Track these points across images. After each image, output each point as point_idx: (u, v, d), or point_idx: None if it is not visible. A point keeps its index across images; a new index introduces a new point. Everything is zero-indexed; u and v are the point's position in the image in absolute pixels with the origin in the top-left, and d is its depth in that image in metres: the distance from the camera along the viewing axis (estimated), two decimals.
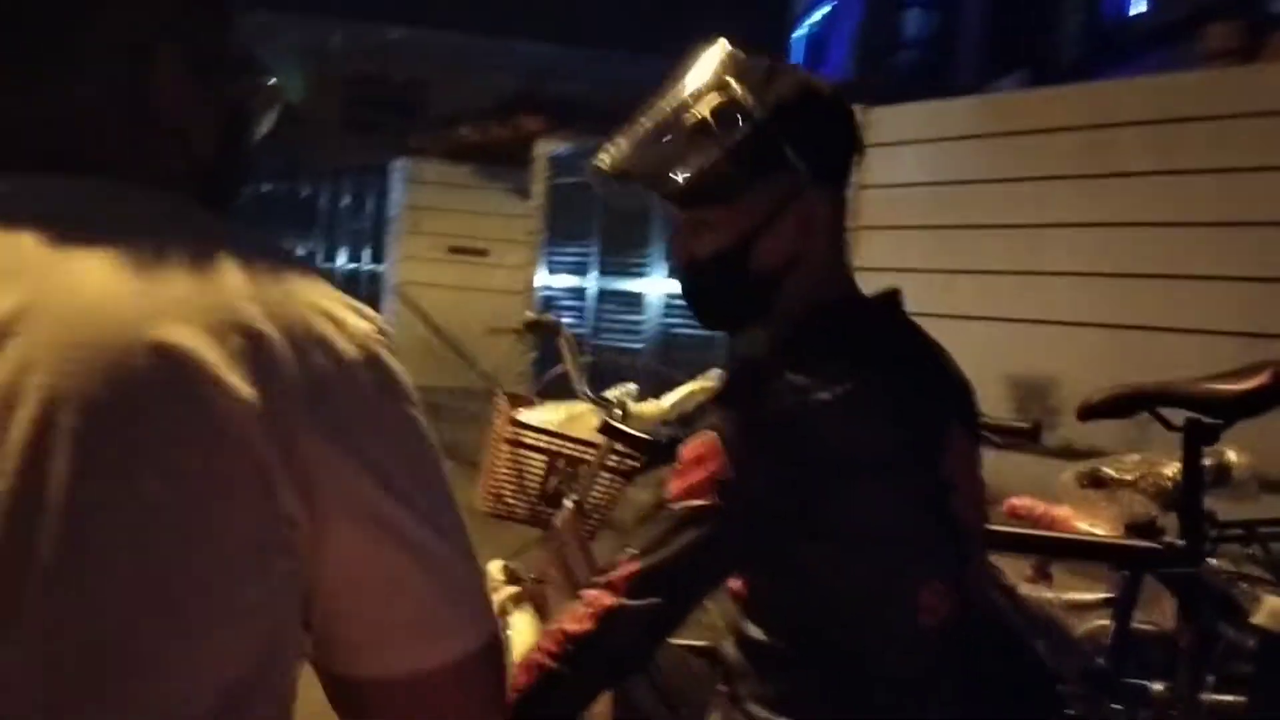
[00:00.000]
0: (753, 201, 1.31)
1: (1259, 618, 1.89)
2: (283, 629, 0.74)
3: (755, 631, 1.33)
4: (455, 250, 12.09)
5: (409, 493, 0.76)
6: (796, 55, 13.83)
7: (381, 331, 0.79)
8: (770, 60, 1.36)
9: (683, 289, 1.41)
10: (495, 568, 2.27)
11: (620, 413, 2.21)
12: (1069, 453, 3.98)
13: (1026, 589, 2.13)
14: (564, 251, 10.23)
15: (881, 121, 6.76)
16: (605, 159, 1.37)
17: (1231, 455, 2.12)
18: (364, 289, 12.77)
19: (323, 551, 0.74)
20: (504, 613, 2.25)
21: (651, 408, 2.24)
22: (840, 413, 1.23)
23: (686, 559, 1.23)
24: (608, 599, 1.24)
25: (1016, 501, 2.22)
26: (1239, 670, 1.95)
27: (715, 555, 1.26)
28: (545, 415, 2.30)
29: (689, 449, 1.26)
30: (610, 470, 2.23)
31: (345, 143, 17.82)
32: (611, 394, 2.23)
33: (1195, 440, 2.00)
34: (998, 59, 9.32)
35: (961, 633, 1.32)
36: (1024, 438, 2.20)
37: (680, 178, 1.30)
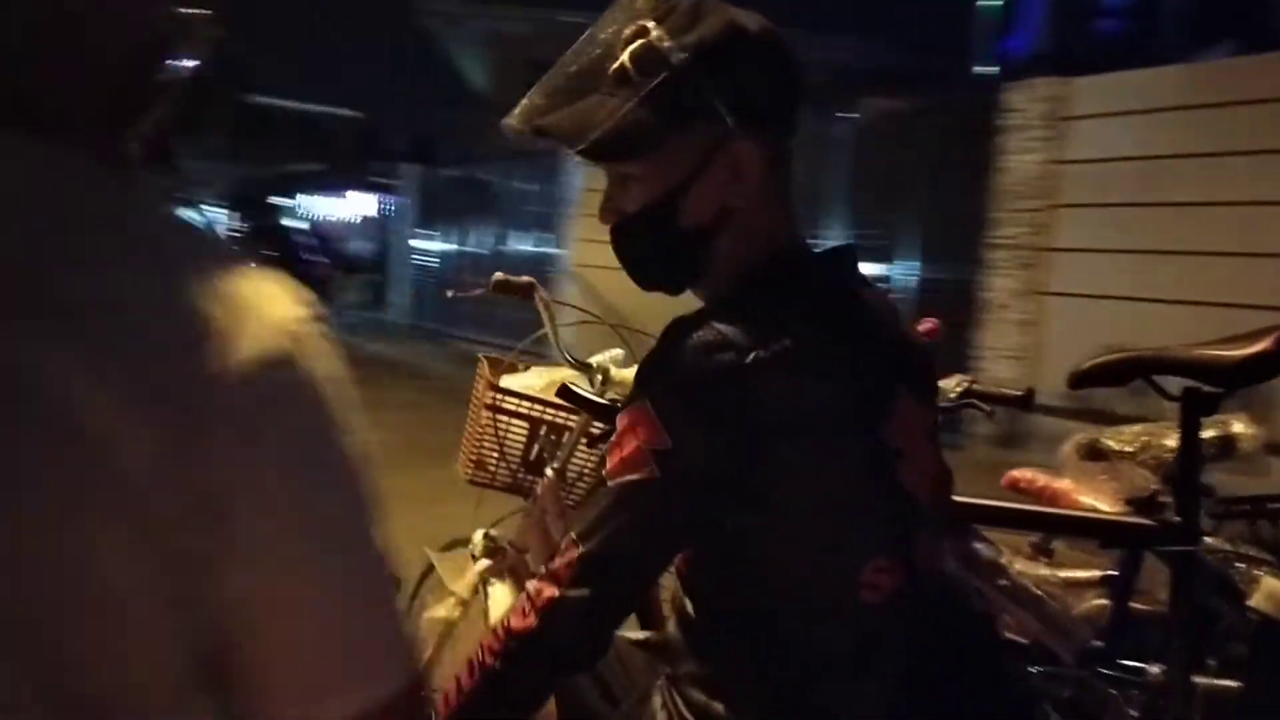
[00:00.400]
0: (676, 153, 1.24)
1: (1255, 600, 1.78)
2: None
3: (692, 610, 1.27)
4: None
5: (305, 520, 0.66)
6: (985, 25, 13.57)
7: (310, 319, 0.69)
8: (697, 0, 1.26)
9: (614, 249, 1.34)
10: (477, 537, 2.24)
11: (600, 378, 2.15)
12: None
13: (1021, 565, 2.03)
14: None
15: (1082, 93, 6.61)
16: (516, 115, 1.29)
17: (1238, 426, 2.00)
18: (542, 272, 12.84)
19: (206, 587, 0.64)
20: (482, 584, 2.23)
21: (632, 373, 2.17)
22: (778, 371, 1.15)
23: (627, 539, 1.17)
24: (549, 590, 1.18)
25: (1017, 474, 2.12)
26: (1238, 652, 1.85)
27: (657, 532, 1.19)
28: (528, 380, 2.25)
29: (622, 420, 1.19)
30: (594, 438, 2.18)
31: None
32: (595, 359, 2.17)
33: (1193, 409, 1.87)
34: (1204, 26, 9.01)
35: (906, 609, 1.25)
36: (1016, 405, 2.10)
37: (597, 131, 1.22)
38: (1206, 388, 1.84)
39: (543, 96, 1.29)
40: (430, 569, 2.31)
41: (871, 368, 1.25)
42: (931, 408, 1.35)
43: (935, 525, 1.34)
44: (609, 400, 2.05)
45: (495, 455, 2.19)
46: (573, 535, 1.19)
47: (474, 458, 2.23)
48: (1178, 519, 1.85)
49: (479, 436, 2.21)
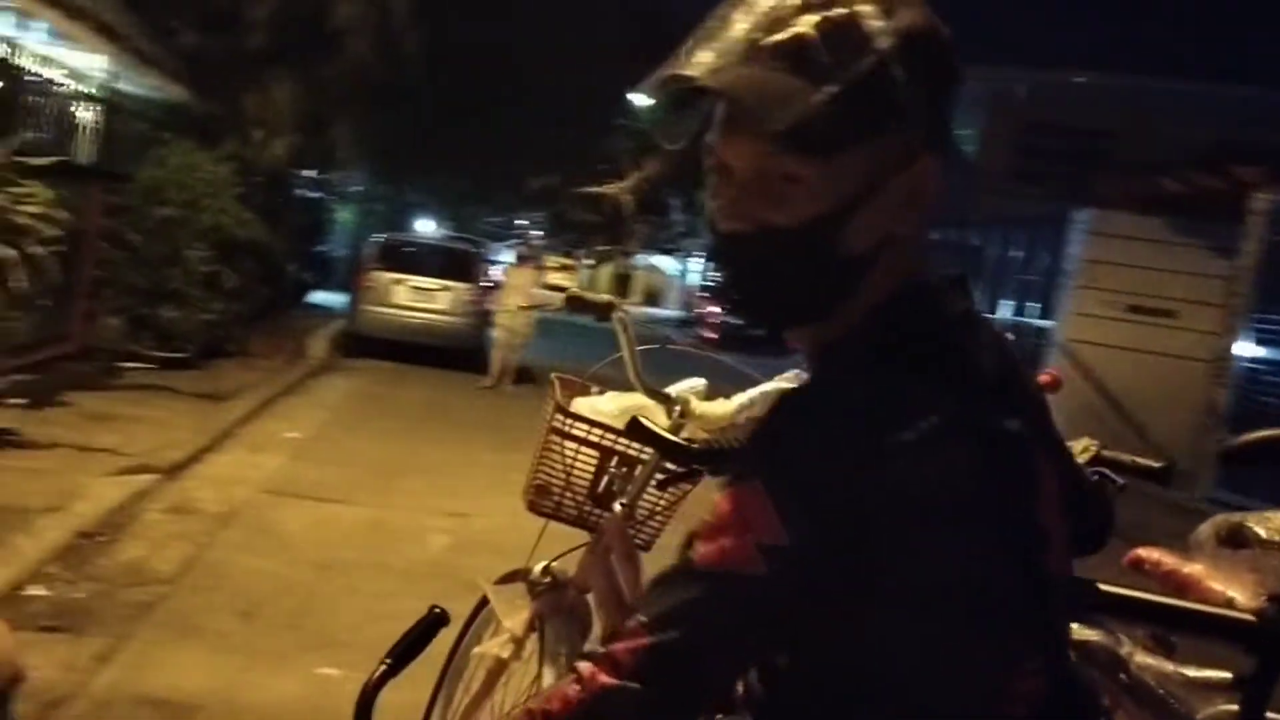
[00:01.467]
0: (855, 161, 1.00)
1: None
2: None
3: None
4: (1135, 309, 11.40)
5: None
6: None
7: None
8: None
9: (727, 263, 1.08)
10: (536, 571, 2.10)
11: (678, 410, 1.98)
12: None
13: (1141, 659, 1.80)
14: (1277, 320, 9.19)
15: None
16: (688, 65, 1.01)
17: None
18: (1029, 343, 12.70)
19: None
20: (539, 622, 2.08)
21: (718, 408, 2.00)
22: (924, 455, 0.95)
23: (710, 639, 0.98)
24: (604, 677, 0.99)
25: (1142, 552, 1.87)
26: None
27: (748, 637, 1.00)
28: (601, 405, 2.10)
29: (725, 501, 0.99)
30: (664, 480, 2.01)
31: (1018, 192, 17.26)
32: (674, 389, 2.01)
33: None
34: None
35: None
36: (1154, 478, 1.86)
37: (790, 114, 0.96)
38: None
39: (715, 54, 1.01)
40: (484, 602, 2.18)
41: (1021, 438, 1.04)
42: (1063, 473, 1.13)
43: (1070, 613, 1.14)
44: (684, 439, 1.89)
45: (560, 484, 2.05)
46: (642, 619, 0.99)
47: (537, 484, 2.09)
48: None
49: (546, 463, 2.08)
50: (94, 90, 11.40)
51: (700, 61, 1.00)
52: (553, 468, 2.08)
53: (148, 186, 10.96)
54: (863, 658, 0.99)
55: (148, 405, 8.81)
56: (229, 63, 13.38)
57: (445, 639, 1.93)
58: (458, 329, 14.50)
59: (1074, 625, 1.77)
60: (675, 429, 1.94)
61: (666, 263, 39.66)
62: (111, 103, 11.44)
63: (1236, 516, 1.84)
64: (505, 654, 2.00)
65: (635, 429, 1.85)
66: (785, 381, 1.96)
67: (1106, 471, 1.91)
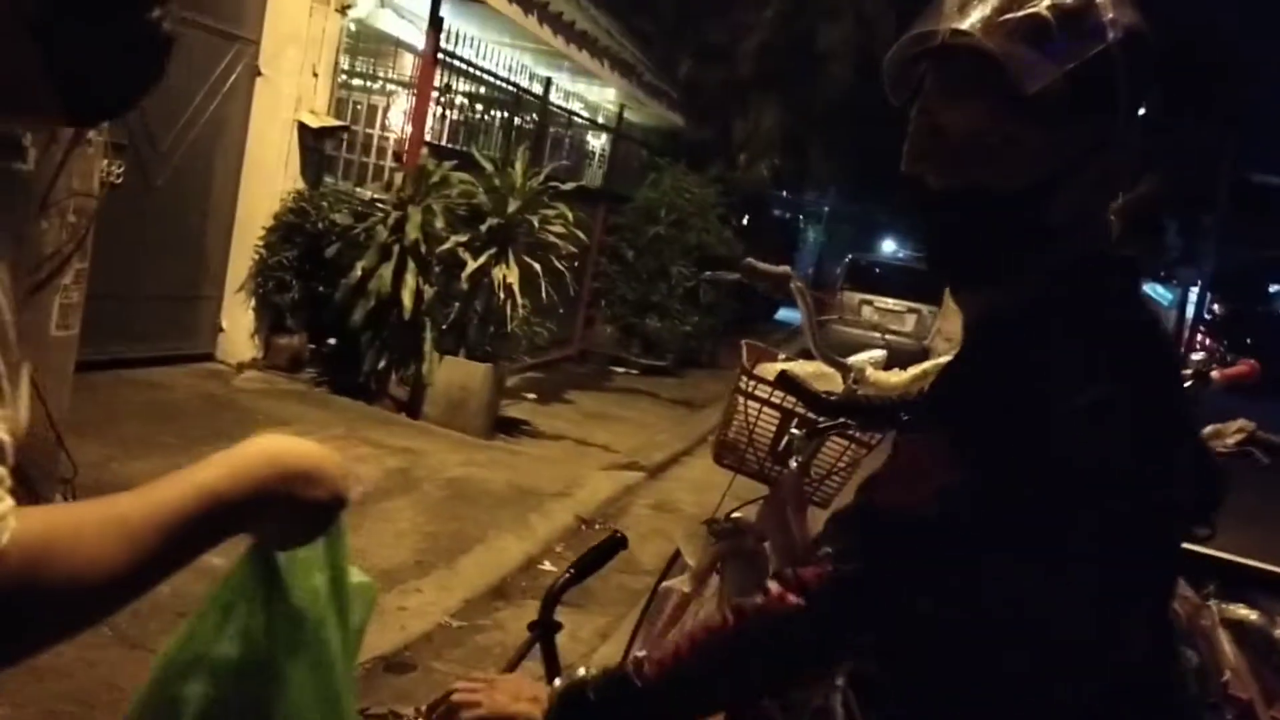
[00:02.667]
0: (1072, 135, 1.10)
1: None
2: None
3: (907, 648, 1.20)
4: None
5: None
6: None
7: None
8: None
9: (933, 220, 1.19)
10: (722, 519, 2.31)
11: (854, 377, 2.13)
12: None
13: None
14: None
15: None
16: (961, 20, 1.10)
17: None
18: None
19: None
20: (720, 563, 2.30)
21: (892, 377, 2.11)
22: (1090, 423, 1.06)
23: (889, 574, 1.12)
24: (791, 597, 1.13)
25: None
26: None
27: (922, 573, 1.12)
28: (787, 370, 2.28)
29: (911, 449, 1.16)
30: (845, 437, 2.17)
31: None
32: (854, 359, 2.16)
33: None
34: None
35: (1159, 671, 1.20)
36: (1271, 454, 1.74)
37: (1035, 80, 1.05)
38: None
39: (979, 10, 1.10)
40: (678, 553, 2.44)
41: (1170, 421, 1.16)
42: (1192, 450, 1.24)
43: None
44: (858, 394, 2.05)
45: (744, 440, 2.27)
46: (828, 550, 1.14)
47: (724, 440, 2.32)
48: None
49: (732, 421, 2.31)
50: (604, 120, 12.89)
51: (972, 20, 1.08)
52: (738, 425, 2.31)
53: (643, 207, 12.13)
54: (1003, 602, 1.11)
55: (634, 408, 9.70)
56: (720, 90, 14.40)
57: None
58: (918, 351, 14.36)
59: (1232, 604, 1.73)
60: (849, 394, 2.09)
61: (1160, 292, 35.84)
62: (618, 131, 12.83)
63: None
64: (688, 589, 2.26)
65: (784, 382, 2.05)
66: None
67: (1256, 451, 1.80)
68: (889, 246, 29.40)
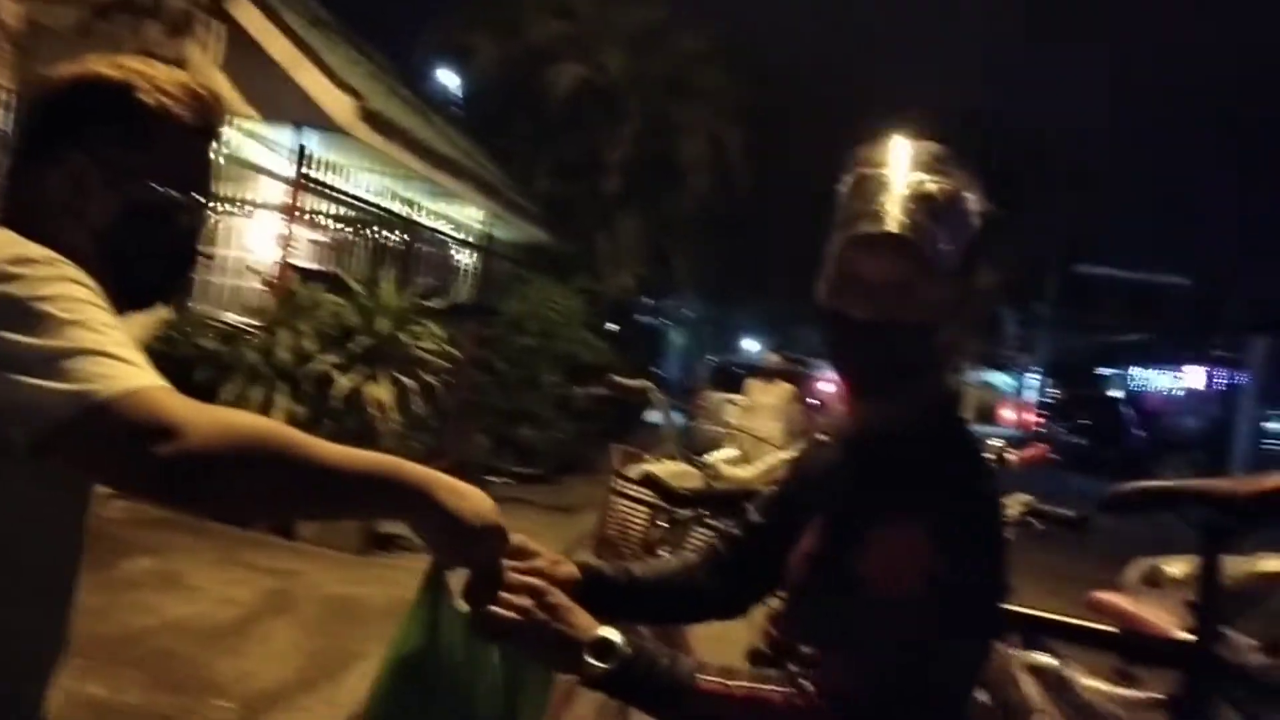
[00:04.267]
0: (954, 289, 1.40)
1: None
2: None
3: None
4: None
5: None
6: None
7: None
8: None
9: (849, 338, 1.42)
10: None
11: (711, 474, 2.39)
12: None
13: (1086, 681, 2.01)
14: None
15: None
16: (894, 223, 1.38)
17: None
18: None
19: None
20: None
21: (742, 472, 2.39)
22: (996, 508, 1.39)
23: (910, 654, 1.27)
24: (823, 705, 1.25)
25: (1103, 596, 2.11)
26: None
27: (923, 651, 1.27)
28: (650, 470, 2.54)
29: (894, 540, 1.30)
30: (706, 526, 2.40)
31: None
32: (710, 456, 2.42)
33: (1211, 540, 1.81)
34: None
35: None
36: (1070, 527, 2.09)
37: (948, 242, 1.38)
38: (1224, 519, 1.78)
39: (899, 210, 1.40)
40: None
41: None
42: None
43: None
44: (717, 488, 2.31)
45: (619, 535, 2.50)
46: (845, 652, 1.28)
47: (603, 537, 2.54)
48: (1200, 646, 1.78)
49: (607, 518, 2.53)
50: (471, 237, 13.16)
51: (898, 220, 1.38)
52: (614, 522, 2.53)
53: (511, 319, 12.38)
54: (953, 669, 1.32)
55: (511, 515, 9.00)
56: (583, 205, 14.88)
57: None
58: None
59: (1030, 652, 2.01)
60: (708, 488, 2.35)
61: (1002, 379, 37.53)
62: (485, 248, 13.14)
63: (1148, 561, 2.04)
64: None
65: (648, 481, 2.30)
66: (793, 451, 2.33)
67: (1034, 521, 2.16)
68: (750, 345, 30.18)
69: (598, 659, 1.28)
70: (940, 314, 1.38)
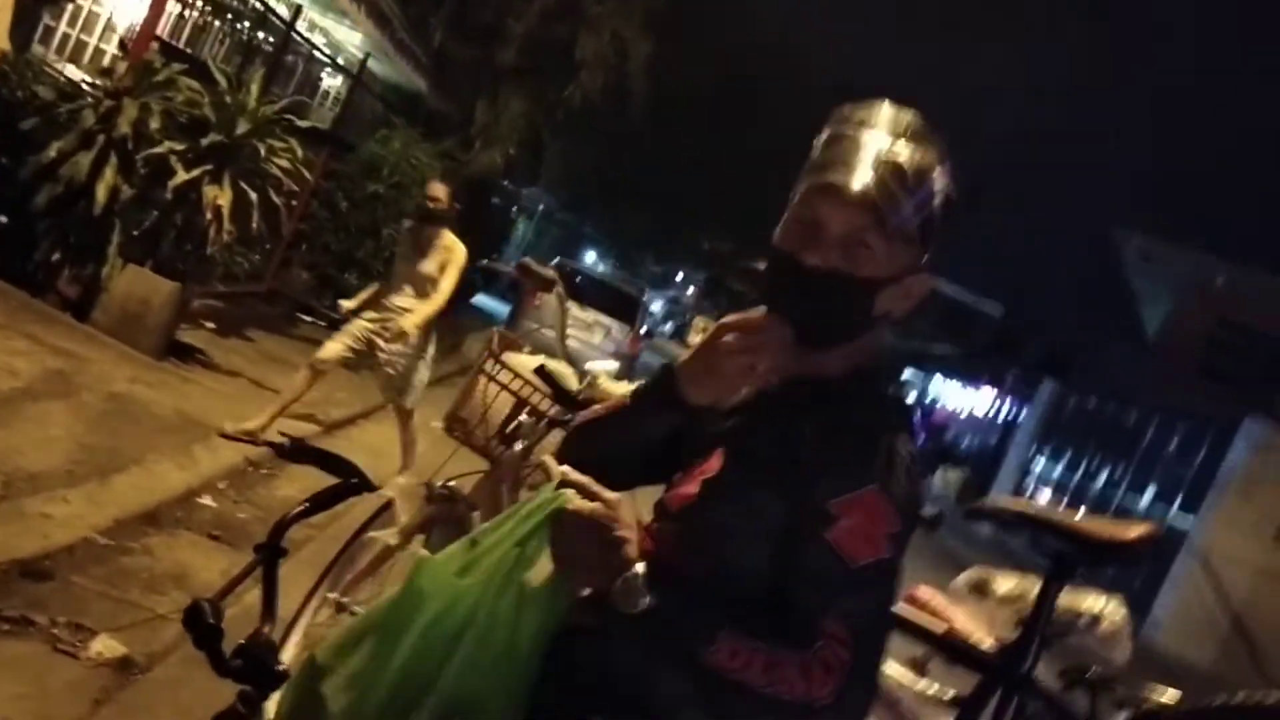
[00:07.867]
0: (904, 253, 1.44)
1: None
2: None
3: None
4: None
5: None
6: None
7: None
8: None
9: (804, 283, 1.44)
10: (437, 484, 2.45)
11: (588, 382, 2.32)
12: None
13: (887, 669, 2.09)
14: None
15: None
16: (855, 180, 1.42)
17: (1110, 605, 2.01)
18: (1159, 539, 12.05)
19: None
20: (428, 523, 2.45)
21: (620, 387, 2.33)
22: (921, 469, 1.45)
23: (883, 614, 1.40)
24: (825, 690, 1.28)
25: (923, 592, 2.19)
26: None
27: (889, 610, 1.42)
28: (528, 362, 2.46)
29: (859, 506, 1.35)
30: (555, 422, 2.35)
31: (1195, 386, 17.01)
32: (592, 365, 2.35)
33: (1058, 570, 2.03)
34: None
35: None
36: (923, 526, 2.15)
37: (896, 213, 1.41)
38: (1070, 553, 1.91)
39: (865, 169, 1.43)
40: (387, 505, 2.55)
41: None
42: None
43: None
44: (582, 397, 2.24)
45: (477, 418, 2.41)
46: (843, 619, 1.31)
47: (459, 415, 2.45)
48: (1016, 665, 1.91)
49: (470, 397, 2.44)
50: (346, 63, 12.52)
51: (867, 176, 1.40)
52: (474, 404, 2.45)
53: (367, 161, 11.83)
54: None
55: (305, 356, 9.41)
56: (473, 70, 14.38)
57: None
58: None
59: None
60: (581, 393, 2.29)
61: None
62: (358, 78, 12.45)
63: (984, 571, 2.16)
64: (393, 542, 2.37)
65: (543, 373, 2.23)
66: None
67: None
68: (590, 258, 30.16)
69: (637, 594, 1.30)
70: (887, 276, 1.42)
